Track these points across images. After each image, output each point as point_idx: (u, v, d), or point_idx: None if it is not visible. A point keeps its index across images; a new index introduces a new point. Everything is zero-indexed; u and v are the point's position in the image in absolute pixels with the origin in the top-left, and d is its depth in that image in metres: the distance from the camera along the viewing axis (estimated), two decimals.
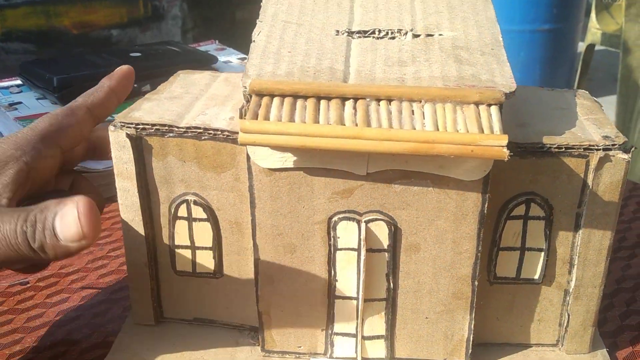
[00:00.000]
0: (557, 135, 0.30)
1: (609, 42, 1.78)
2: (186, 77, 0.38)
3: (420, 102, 0.29)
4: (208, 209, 0.32)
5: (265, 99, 0.29)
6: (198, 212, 0.32)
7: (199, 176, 0.32)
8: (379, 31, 0.34)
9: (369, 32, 0.34)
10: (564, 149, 0.30)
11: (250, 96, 0.29)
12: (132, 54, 0.69)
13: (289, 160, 0.28)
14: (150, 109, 0.32)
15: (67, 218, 0.26)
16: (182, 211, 0.33)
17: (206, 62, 0.70)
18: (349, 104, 0.29)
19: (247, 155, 0.29)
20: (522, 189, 0.31)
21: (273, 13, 0.35)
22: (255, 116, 0.28)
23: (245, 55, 0.77)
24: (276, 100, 0.29)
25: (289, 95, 0.29)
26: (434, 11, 0.35)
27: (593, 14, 1.84)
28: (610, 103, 2.27)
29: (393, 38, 0.33)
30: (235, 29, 2.45)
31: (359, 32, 0.34)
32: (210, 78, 0.37)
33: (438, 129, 0.27)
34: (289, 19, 0.34)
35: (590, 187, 0.30)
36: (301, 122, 0.27)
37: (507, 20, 2.22)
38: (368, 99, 0.29)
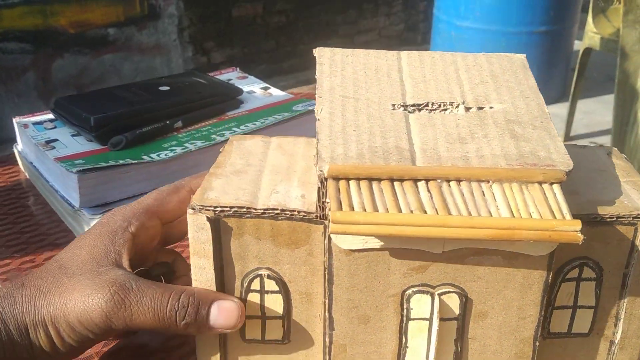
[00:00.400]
0: (606, 203, 0.33)
1: (606, 46, 1.83)
2: (240, 144, 0.39)
3: (488, 182, 0.31)
4: (280, 281, 0.34)
5: (342, 183, 0.30)
6: (270, 285, 0.34)
7: (273, 252, 0.33)
8: (432, 104, 0.36)
9: (422, 105, 0.36)
10: (615, 219, 0.32)
11: (326, 179, 0.31)
12: (160, 88, 0.68)
13: (370, 242, 0.30)
14: (222, 188, 0.33)
15: (228, 312, 0.33)
16: (255, 285, 0.34)
17: (233, 95, 0.69)
18: (422, 186, 0.30)
19: (328, 237, 0.31)
20: (576, 254, 0.33)
21: (329, 87, 0.36)
22: (339, 204, 0.29)
23: (266, 85, 0.77)
24: (353, 184, 0.30)
25: (364, 178, 0.31)
26: (479, 81, 0.37)
27: (590, 18, 1.89)
28: (604, 102, 2.34)
29: (446, 110, 0.35)
30: (231, 27, 2.44)
31: (413, 105, 0.35)
32: (263, 145, 0.39)
33: (512, 213, 0.29)
34: (346, 94, 0.36)
35: (638, 249, 0.33)
36: (386, 211, 0.29)
37: (504, 22, 2.27)
38: (439, 180, 0.31)
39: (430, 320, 0.32)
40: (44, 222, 0.59)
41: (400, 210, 0.29)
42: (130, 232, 0.36)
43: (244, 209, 0.32)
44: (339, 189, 0.30)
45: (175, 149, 0.58)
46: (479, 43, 2.35)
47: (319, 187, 0.32)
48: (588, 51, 1.94)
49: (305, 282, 0.34)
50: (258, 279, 0.34)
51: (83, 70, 2.18)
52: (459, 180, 0.31)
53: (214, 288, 0.34)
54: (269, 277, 0.34)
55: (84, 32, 2.13)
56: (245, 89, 0.73)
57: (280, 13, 2.49)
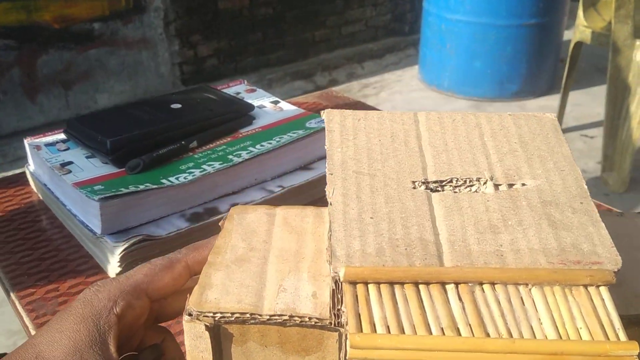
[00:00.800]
0: None
1: (597, 40, 1.80)
2: (241, 219, 0.35)
3: (527, 285, 0.27)
4: None
5: (360, 290, 0.27)
6: None
7: (281, 359, 0.29)
8: (457, 180, 0.32)
9: (446, 182, 0.32)
10: None
11: (342, 283, 0.27)
12: (172, 106, 0.66)
13: None
14: (223, 285, 0.30)
15: None
16: None
17: (245, 111, 0.68)
18: (451, 292, 0.27)
19: (344, 349, 0.27)
20: None
21: (341, 161, 0.32)
22: (358, 319, 0.25)
23: (276, 98, 0.74)
24: (373, 290, 0.27)
25: (385, 282, 0.27)
26: (507, 150, 0.33)
27: (580, 12, 1.85)
28: (593, 94, 2.31)
29: (472, 186, 0.32)
30: (218, 20, 2.39)
31: (435, 182, 0.32)
32: (267, 220, 0.35)
33: (557, 329, 0.25)
34: (360, 169, 0.32)
35: None
36: (412, 331, 0.25)
37: (494, 15, 2.24)
38: (471, 284, 0.27)
39: None
40: (63, 247, 0.58)
41: (429, 328, 0.25)
42: (116, 313, 0.32)
43: (248, 315, 0.28)
44: (357, 298, 0.26)
45: (193, 172, 0.57)
46: (469, 36, 2.31)
47: (332, 289, 0.28)
48: (579, 45, 1.91)
49: None
50: None
51: (69, 66, 2.13)
52: (493, 284, 0.27)
53: None
54: None
55: (68, 27, 2.08)
56: (256, 103, 0.72)
57: (266, 4, 2.44)
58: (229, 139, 0.64)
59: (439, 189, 0.32)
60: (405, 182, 0.31)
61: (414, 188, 0.31)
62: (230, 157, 0.60)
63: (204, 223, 0.58)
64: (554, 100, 2.16)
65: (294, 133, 0.65)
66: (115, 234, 0.53)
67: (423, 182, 0.32)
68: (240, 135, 0.64)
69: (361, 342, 0.24)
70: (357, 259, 0.27)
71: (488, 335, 0.25)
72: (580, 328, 0.25)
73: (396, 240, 0.28)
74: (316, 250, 0.32)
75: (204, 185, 0.57)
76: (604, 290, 0.27)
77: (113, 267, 0.53)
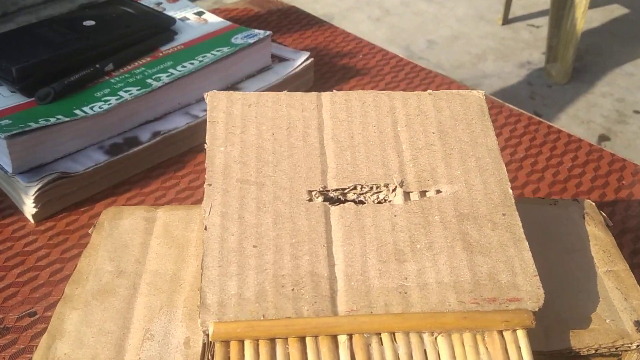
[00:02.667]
0: (581, 320, 0.26)
1: None
2: (113, 228, 0.29)
3: (432, 334, 0.23)
4: None
5: (234, 349, 0.22)
6: None
7: None
8: (361, 187, 0.27)
9: (348, 189, 0.26)
10: (594, 352, 0.25)
11: (213, 343, 0.22)
12: (85, 23, 0.58)
13: None
14: (77, 332, 0.25)
15: None
16: None
17: (165, 25, 0.61)
18: (344, 346, 0.22)
19: None
20: None
21: (223, 166, 0.26)
22: None
23: (200, 9, 0.66)
24: (249, 349, 0.22)
25: (266, 338, 0.22)
26: (423, 144, 0.28)
27: None
28: None
29: (379, 193, 0.27)
30: None
31: (336, 190, 0.26)
32: (144, 229, 0.29)
33: None
34: (246, 176, 0.26)
35: None
36: None
37: None
38: (367, 335, 0.23)
39: None
40: None
41: None
42: None
43: None
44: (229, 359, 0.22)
45: (109, 100, 0.52)
46: None
47: (204, 343, 0.23)
48: None
49: None
50: None
51: None
52: (393, 333, 0.23)
53: None
54: None
55: None
56: (178, 15, 0.64)
57: None
58: (148, 59, 0.58)
59: (340, 198, 0.26)
60: (300, 193, 0.26)
61: (310, 200, 0.26)
62: (149, 81, 0.54)
63: (124, 155, 0.53)
64: None
65: (218, 51, 0.59)
66: (28, 172, 0.49)
67: (321, 192, 0.26)
68: (161, 55, 0.58)
69: None
70: (231, 308, 0.23)
71: None
72: None
73: (282, 278, 0.23)
74: (197, 272, 0.27)
75: (121, 114, 0.53)
76: (521, 335, 0.23)
77: (29, 207, 0.49)
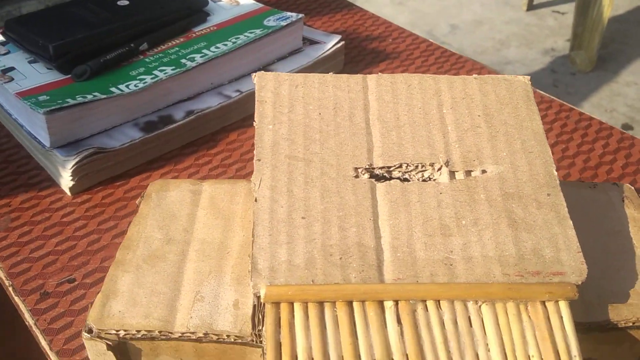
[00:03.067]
0: (620, 297, 0.26)
1: None
2: (160, 199, 0.30)
3: (477, 303, 0.23)
4: None
5: (284, 311, 0.23)
6: None
7: None
8: (407, 165, 0.27)
9: (394, 167, 0.27)
10: (631, 324, 0.25)
11: (263, 304, 0.23)
12: (119, 3, 0.60)
13: None
14: (130, 292, 0.26)
15: None
16: None
17: (198, 6, 0.62)
18: (390, 311, 0.23)
19: None
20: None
21: (272, 143, 0.27)
22: (278, 353, 0.22)
23: None
24: (299, 311, 0.23)
25: (315, 301, 0.23)
26: (469, 125, 0.29)
27: None
28: None
29: (424, 172, 0.27)
30: None
31: (382, 167, 0.27)
32: (191, 199, 0.30)
33: (506, 356, 0.22)
34: (294, 152, 0.27)
35: None
36: None
37: None
38: (412, 302, 0.23)
39: None
40: (13, 158, 0.54)
41: None
42: None
43: (157, 333, 0.24)
44: (279, 323, 0.23)
45: (144, 78, 0.54)
46: None
47: (254, 305, 0.24)
48: None
49: None
50: None
51: None
52: (439, 301, 0.23)
53: None
54: None
55: None
56: None
57: None
58: (181, 39, 0.59)
59: (386, 176, 0.27)
60: (346, 169, 0.27)
61: (356, 177, 0.27)
62: (183, 61, 0.56)
63: (159, 132, 0.54)
64: None
65: (251, 33, 0.60)
66: (66, 146, 0.50)
67: (367, 169, 0.27)
68: (194, 35, 0.60)
69: None
70: (282, 273, 0.23)
71: None
72: (532, 356, 0.22)
73: (330, 247, 0.24)
74: (244, 241, 0.28)
75: (156, 92, 0.54)
76: (563, 306, 0.23)
77: (66, 181, 0.51)
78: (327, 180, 0.26)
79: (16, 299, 0.44)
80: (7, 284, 0.45)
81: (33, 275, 0.46)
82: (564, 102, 0.55)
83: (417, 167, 0.27)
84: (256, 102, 0.29)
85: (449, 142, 0.28)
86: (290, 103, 0.29)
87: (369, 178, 0.27)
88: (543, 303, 0.23)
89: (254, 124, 0.28)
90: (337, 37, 0.61)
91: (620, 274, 0.27)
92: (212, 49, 0.58)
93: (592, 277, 0.27)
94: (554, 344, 0.22)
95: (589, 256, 0.28)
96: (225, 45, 0.58)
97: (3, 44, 0.59)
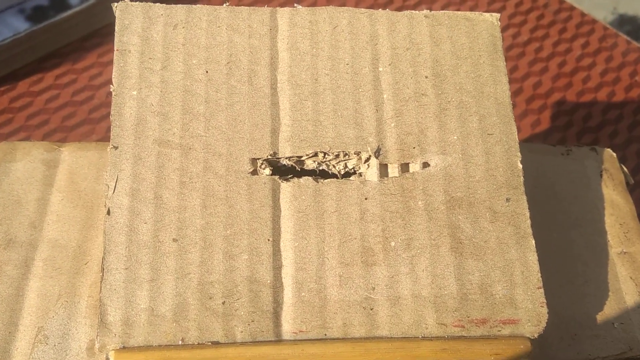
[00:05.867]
0: (583, 325, 0.21)
1: None
2: (2, 176, 0.23)
3: None
4: None
5: None
6: None
7: None
8: (324, 155, 0.20)
9: (306, 157, 0.20)
10: None
11: None
12: None
13: None
14: None
15: None
16: None
17: None
18: None
19: None
20: None
21: (136, 120, 0.19)
22: None
23: None
24: None
25: None
26: (412, 91, 0.21)
27: None
28: None
29: (347, 163, 0.20)
30: None
31: (290, 158, 0.20)
32: (43, 177, 0.23)
33: None
34: (166, 136, 0.19)
35: None
36: None
37: None
38: None
39: None
40: None
41: None
42: None
43: None
44: None
45: None
46: None
47: None
48: None
49: None
50: None
51: None
52: None
53: None
54: None
55: None
56: None
57: None
58: None
59: (295, 168, 0.20)
60: (240, 161, 0.19)
61: (253, 172, 0.19)
62: None
63: (51, 22, 0.44)
64: None
65: None
66: None
67: (269, 161, 0.20)
68: None
69: None
70: (140, 329, 0.17)
71: None
72: None
73: (210, 286, 0.18)
74: None
75: None
76: None
77: None
78: (212, 180, 0.19)
79: None
80: None
81: None
82: None
83: (337, 155, 0.20)
84: (115, 53, 0.20)
85: (382, 118, 0.20)
86: (165, 54, 0.20)
87: (271, 174, 0.19)
88: None
89: (111, 88, 0.20)
90: None
91: (586, 288, 0.22)
92: None
93: (550, 295, 0.21)
94: None
95: (549, 261, 0.22)
96: None
97: None
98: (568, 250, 0.23)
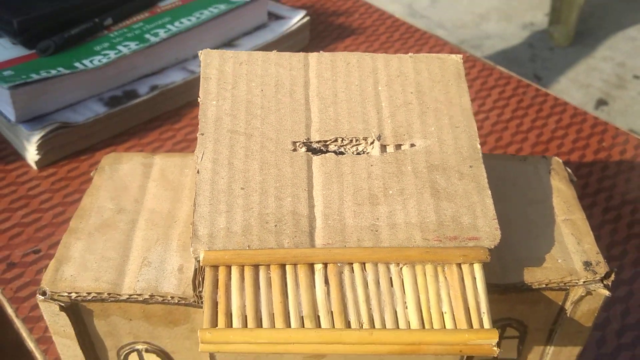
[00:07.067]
0: (536, 260, 0.29)
1: None
2: (114, 171, 0.32)
3: (398, 265, 0.26)
4: (162, 353, 0.29)
5: (222, 274, 0.25)
6: (151, 358, 0.29)
7: (149, 330, 0.28)
8: (342, 140, 0.29)
9: (330, 141, 0.29)
10: (544, 286, 0.28)
11: (204, 267, 0.25)
12: None
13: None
14: (81, 258, 0.27)
15: None
16: (134, 358, 0.29)
17: None
18: (319, 273, 0.25)
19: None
20: (499, 316, 0.29)
21: (215, 118, 0.29)
22: (215, 309, 0.24)
23: None
24: (235, 274, 0.25)
25: (250, 264, 0.25)
26: (401, 102, 0.30)
27: None
28: None
29: (358, 146, 0.29)
30: None
31: (319, 142, 0.29)
32: (142, 172, 0.32)
33: (422, 312, 0.24)
34: (236, 127, 0.29)
35: (568, 313, 0.29)
36: (270, 323, 0.24)
37: None
38: (340, 264, 0.25)
39: None
40: None
41: (287, 319, 0.24)
42: None
43: (106, 295, 0.26)
44: (217, 284, 0.25)
45: (108, 53, 0.55)
46: None
47: (196, 269, 0.26)
48: None
49: (190, 352, 0.29)
50: (135, 353, 0.29)
51: None
52: (364, 264, 0.26)
53: None
54: (147, 350, 0.29)
55: None
56: None
57: None
58: (146, 14, 0.60)
59: (322, 149, 0.29)
60: (285, 143, 0.29)
61: (294, 150, 0.29)
62: (147, 36, 0.57)
63: (123, 107, 0.56)
64: None
65: (215, 8, 0.61)
66: (31, 121, 0.52)
67: (305, 143, 0.29)
68: (159, 11, 0.61)
69: (212, 338, 0.23)
70: (220, 240, 0.25)
71: (349, 323, 0.24)
72: (445, 312, 0.25)
73: (266, 216, 0.26)
74: (191, 211, 0.30)
75: (120, 67, 0.56)
76: (477, 268, 0.26)
77: (31, 155, 0.52)
78: (267, 154, 0.28)
79: None
80: None
81: (0, 246, 0.48)
82: (521, 78, 0.57)
83: (351, 141, 0.29)
84: (201, 79, 0.30)
85: (382, 117, 0.30)
86: (234, 80, 0.30)
87: (306, 151, 0.29)
88: (459, 265, 0.26)
89: (199, 100, 0.30)
90: (303, 13, 0.62)
91: (537, 240, 0.30)
92: (177, 24, 0.59)
93: (511, 243, 0.29)
94: (465, 302, 0.25)
95: (508, 224, 0.30)
96: (190, 20, 0.60)
97: None
98: (523, 219, 0.31)
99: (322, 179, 0.28)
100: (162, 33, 0.57)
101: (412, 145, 0.29)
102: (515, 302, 0.29)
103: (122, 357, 0.29)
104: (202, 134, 0.28)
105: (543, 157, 0.35)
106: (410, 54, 0.33)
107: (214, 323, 0.24)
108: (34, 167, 0.54)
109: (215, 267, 0.25)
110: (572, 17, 1.68)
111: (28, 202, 0.51)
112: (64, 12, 0.57)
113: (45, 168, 0.54)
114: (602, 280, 0.28)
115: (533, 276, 0.28)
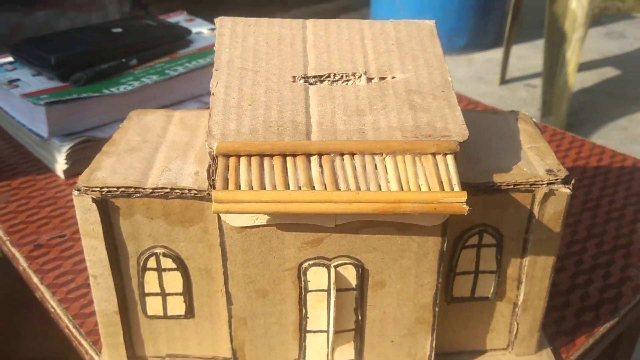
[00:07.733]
0: (505, 170, 0.33)
1: None
2: (140, 119, 0.37)
3: (382, 155, 0.30)
4: (177, 259, 0.33)
5: (232, 161, 0.29)
6: (167, 262, 0.33)
7: (167, 231, 0.32)
8: (334, 75, 0.35)
9: (324, 77, 0.35)
10: (512, 186, 0.32)
11: (217, 157, 0.30)
12: (113, 30, 0.70)
13: (260, 219, 0.29)
14: (112, 167, 0.32)
15: None
16: (152, 263, 0.33)
17: (182, 36, 0.73)
18: (314, 160, 0.30)
19: (218, 215, 0.30)
20: (475, 222, 0.33)
21: (228, 59, 0.35)
22: (226, 182, 0.28)
23: (213, 26, 0.77)
24: (243, 161, 0.29)
25: (256, 154, 0.30)
26: (384, 50, 0.36)
27: None
28: (538, 47, 2.37)
29: (348, 81, 0.35)
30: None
31: (314, 77, 0.35)
32: (165, 120, 0.37)
33: (402, 186, 0.29)
34: (245, 66, 0.35)
35: (536, 216, 0.33)
36: (272, 189, 0.28)
37: None
38: (332, 155, 0.30)
39: (328, 291, 0.32)
40: (13, 154, 0.63)
41: (288, 187, 0.28)
42: None
43: (132, 189, 0.31)
44: (228, 167, 0.29)
45: (132, 83, 0.62)
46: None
47: (209, 163, 0.31)
48: None
49: (203, 258, 0.33)
50: (154, 257, 0.33)
51: (16, 28, 2.09)
52: (352, 154, 0.30)
53: (108, 267, 0.33)
54: (164, 255, 0.33)
55: None
56: (194, 30, 0.76)
57: None
58: (167, 58, 0.69)
59: (317, 82, 0.35)
60: (286, 77, 0.34)
61: (294, 82, 0.34)
62: (168, 71, 0.65)
63: None
64: (500, 53, 2.22)
65: None
66: (61, 137, 0.59)
67: (303, 77, 0.34)
68: (178, 55, 0.69)
69: (223, 197, 0.27)
70: (231, 137, 0.30)
71: (338, 190, 0.28)
72: (421, 184, 0.29)
73: (270, 123, 0.31)
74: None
75: (142, 96, 0.63)
76: (449, 158, 0.30)
77: (60, 165, 0.58)
78: (270, 83, 0.34)
79: (12, 249, 0.51)
80: (4, 239, 0.51)
81: (29, 232, 0.53)
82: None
83: (342, 76, 0.35)
84: (217, 36, 0.37)
85: (368, 61, 0.36)
86: (244, 36, 0.37)
87: (304, 83, 0.34)
88: (433, 155, 0.30)
89: (214, 48, 0.36)
90: None
91: (506, 156, 0.34)
92: (194, 62, 0.68)
93: (481, 159, 0.34)
94: (439, 178, 0.29)
95: (481, 148, 0.35)
96: (205, 60, 0.68)
97: (11, 62, 0.68)
98: (494, 147, 0.35)
99: (317, 100, 0.33)
100: (180, 69, 0.65)
101: (393, 77, 0.35)
102: (487, 205, 0.33)
103: (141, 264, 0.33)
104: (217, 70, 0.34)
105: (512, 112, 0.40)
106: (391, 19, 0.39)
107: (225, 189, 0.28)
108: (62, 176, 0.59)
109: (226, 156, 0.30)
110: (563, 109, 1.78)
111: (55, 201, 0.56)
112: (95, 52, 0.66)
113: (73, 177, 0.59)
114: (563, 182, 0.32)
115: (502, 178, 0.32)
